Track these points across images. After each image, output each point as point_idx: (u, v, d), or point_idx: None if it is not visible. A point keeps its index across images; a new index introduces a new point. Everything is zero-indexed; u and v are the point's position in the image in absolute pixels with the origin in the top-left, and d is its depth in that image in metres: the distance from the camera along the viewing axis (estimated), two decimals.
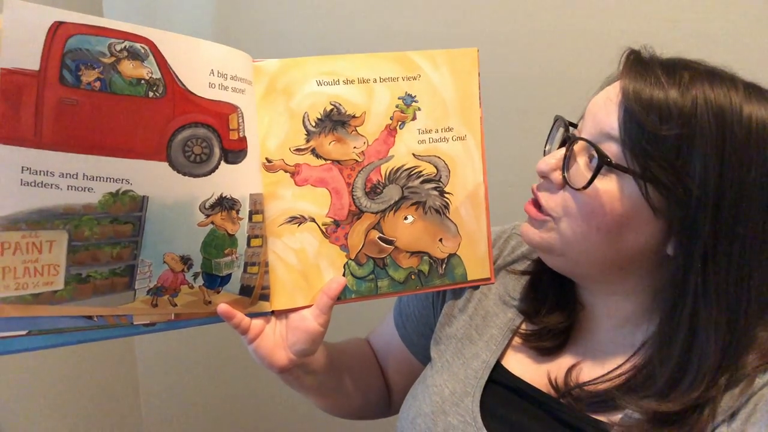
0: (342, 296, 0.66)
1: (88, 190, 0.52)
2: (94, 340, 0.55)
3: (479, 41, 0.72)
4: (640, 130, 0.52)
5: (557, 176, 0.58)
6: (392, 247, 0.68)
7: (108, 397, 1.24)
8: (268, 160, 0.65)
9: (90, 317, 0.54)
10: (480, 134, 0.69)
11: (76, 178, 0.51)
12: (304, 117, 0.65)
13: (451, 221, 0.69)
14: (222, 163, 0.59)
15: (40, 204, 0.50)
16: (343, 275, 0.67)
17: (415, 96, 0.67)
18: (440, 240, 0.69)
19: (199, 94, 0.57)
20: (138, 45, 0.53)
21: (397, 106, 0.66)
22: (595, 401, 0.57)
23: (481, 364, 0.65)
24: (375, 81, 0.65)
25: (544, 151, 0.64)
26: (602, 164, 0.54)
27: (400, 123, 0.67)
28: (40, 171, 0.50)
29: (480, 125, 0.69)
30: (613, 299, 0.61)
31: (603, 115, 0.56)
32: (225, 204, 0.59)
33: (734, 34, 0.91)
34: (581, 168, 0.57)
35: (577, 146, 0.57)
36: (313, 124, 0.65)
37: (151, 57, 0.54)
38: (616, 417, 0.57)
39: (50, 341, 0.53)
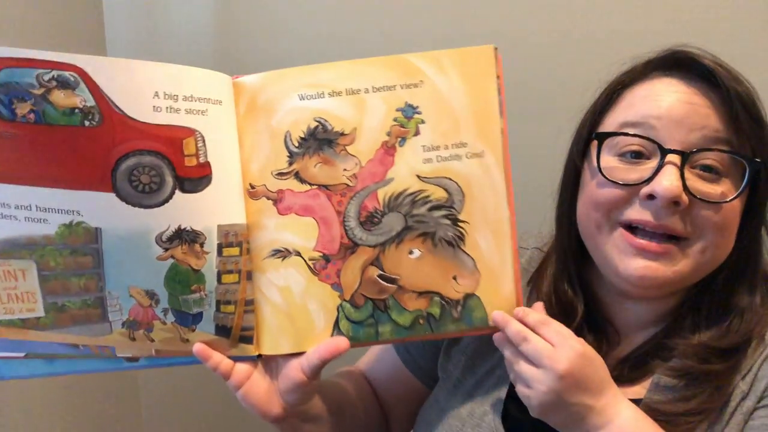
0: None
1: (43, 221, 0.54)
2: (86, 371, 0.58)
3: (497, 40, 0.61)
4: (756, 124, 0.59)
5: (684, 196, 0.57)
6: (395, 287, 0.58)
7: (108, 397, 1.26)
8: (252, 186, 0.58)
9: (76, 346, 0.57)
10: (502, 149, 0.59)
11: (30, 209, 0.54)
12: (285, 136, 0.57)
13: (467, 255, 0.59)
14: (177, 192, 0.55)
15: (4, 234, 0.54)
16: (337, 319, 0.59)
17: (417, 107, 0.57)
18: (454, 277, 0.59)
19: (141, 119, 0.54)
20: (66, 73, 0.52)
21: (395, 120, 0.57)
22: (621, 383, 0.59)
23: (497, 379, 0.63)
24: (366, 91, 0.57)
25: (616, 180, 0.61)
26: (759, 168, 0.59)
27: (399, 139, 0.57)
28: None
29: (502, 138, 0.58)
30: (662, 300, 0.64)
31: (699, 120, 0.58)
32: (185, 237, 0.56)
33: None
34: (698, 179, 0.58)
35: (674, 159, 0.58)
36: (296, 144, 0.57)
37: (82, 84, 0.52)
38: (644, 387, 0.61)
39: (46, 369, 0.58)
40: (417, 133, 0.59)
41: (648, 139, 0.58)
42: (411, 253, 0.60)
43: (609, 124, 0.62)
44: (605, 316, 0.66)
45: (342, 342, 0.58)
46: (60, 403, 1.16)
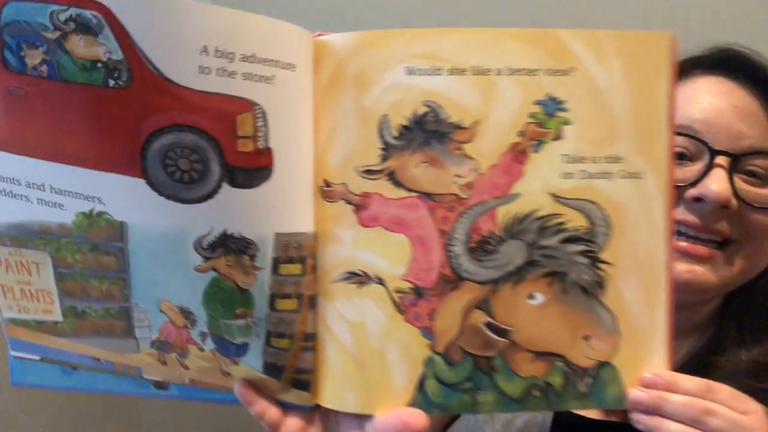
0: (417, 406, 0.44)
1: (59, 206, 0.43)
2: (108, 391, 0.50)
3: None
4: None
5: (734, 200, 0.56)
6: (506, 341, 0.43)
7: (107, 397, 1.24)
8: (327, 183, 0.42)
9: (98, 359, 0.49)
10: (667, 171, 0.43)
11: (43, 189, 0.43)
12: (381, 122, 0.42)
13: (606, 309, 0.43)
14: (224, 185, 0.41)
15: (16, 218, 0.44)
16: (422, 378, 0.43)
17: (562, 101, 0.42)
18: (585, 337, 0.44)
19: (183, 83, 0.39)
20: (87, 12, 0.38)
21: (532, 116, 0.42)
22: None
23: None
24: (499, 72, 0.42)
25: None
26: None
27: (534, 143, 0.42)
28: (7, 177, 0.43)
29: (668, 157, 0.43)
30: (699, 308, 0.62)
31: (746, 123, 0.57)
32: (231, 245, 0.42)
33: None
34: (743, 183, 0.57)
35: (723, 161, 0.56)
36: (395, 134, 0.42)
37: (106, 29, 0.38)
38: None
39: (64, 382, 0.51)
40: (558, 137, 0.44)
41: (697, 139, 0.57)
42: (532, 297, 0.44)
43: None
44: None
45: (417, 420, 0.43)
46: (59, 403, 1.16)
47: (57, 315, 0.47)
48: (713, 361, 0.59)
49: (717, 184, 0.55)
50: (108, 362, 0.49)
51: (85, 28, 0.38)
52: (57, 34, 0.39)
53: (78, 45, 0.39)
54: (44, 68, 0.39)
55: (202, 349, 0.46)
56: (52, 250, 0.45)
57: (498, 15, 0.90)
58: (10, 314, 0.48)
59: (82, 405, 1.21)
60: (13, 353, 0.50)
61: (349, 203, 0.45)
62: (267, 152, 0.41)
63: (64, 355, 0.49)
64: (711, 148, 0.57)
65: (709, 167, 0.56)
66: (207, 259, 0.42)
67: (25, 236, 0.44)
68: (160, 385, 0.49)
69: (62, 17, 0.38)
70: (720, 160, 0.56)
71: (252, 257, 0.42)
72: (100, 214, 0.42)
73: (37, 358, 0.50)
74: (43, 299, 0.47)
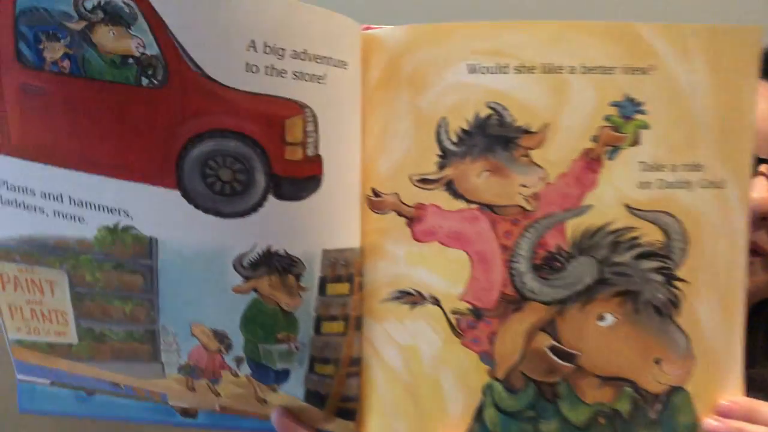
0: None
1: (79, 219, 0.39)
2: (128, 419, 0.47)
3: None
4: None
5: None
6: (572, 366, 0.39)
7: None
8: (376, 193, 0.38)
9: (116, 384, 0.45)
10: (749, 181, 0.39)
11: (61, 201, 0.38)
12: (440, 126, 0.38)
13: (680, 330, 0.40)
14: (270, 197, 0.37)
15: (29, 231, 0.40)
16: (481, 406, 0.40)
17: (641, 103, 0.38)
18: (657, 360, 0.40)
19: (227, 83, 0.35)
20: (119, 0, 0.34)
21: (607, 119, 0.38)
22: None
23: None
24: (572, 71, 0.38)
25: None
26: None
27: (609, 149, 0.38)
28: (19, 187, 0.39)
29: (750, 165, 0.39)
30: None
31: None
32: (276, 263, 0.38)
33: None
34: None
35: (765, 169, 0.52)
36: (455, 139, 0.38)
37: (140, 19, 0.34)
38: None
39: (78, 409, 0.47)
40: (635, 142, 0.39)
41: None
42: (601, 319, 0.40)
43: None
44: None
45: None
46: None
47: (72, 337, 0.43)
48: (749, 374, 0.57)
49: (758, 192, 0.51)
50: (128, 387, 0.45)
51: (115, 17, 0.34)
52: (82, 24, 0.34)
53: (107, 37, 0.34)
54: (66, 63, 0.35)
55: (236, 375, 0.42)
56: (69, 267, 0.40)
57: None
58: (18, 336, 0.44)
59: None
60: (19, 377, 0.46)
61: (401, 215, 0.40)
62: (316, 160, 0.37)
63: (78, 379, 0.45)
64: (756, 156, 0.53)
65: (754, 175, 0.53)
66: (248, 278, 0.38)
67: (38, 252, 0.40)
68: (187, 413, 0.45)
69: (89, 5, 0.34)
70: (764, 168, 0.52)
71: (297, 277, 0.38)
72: (127, 228, 0.38)
73: (47, 382, 0.46)
74: (57, 320, 0.43)
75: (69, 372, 0.45)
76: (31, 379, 0.46)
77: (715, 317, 0.41)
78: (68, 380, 0.45)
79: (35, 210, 0.39)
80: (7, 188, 0.39)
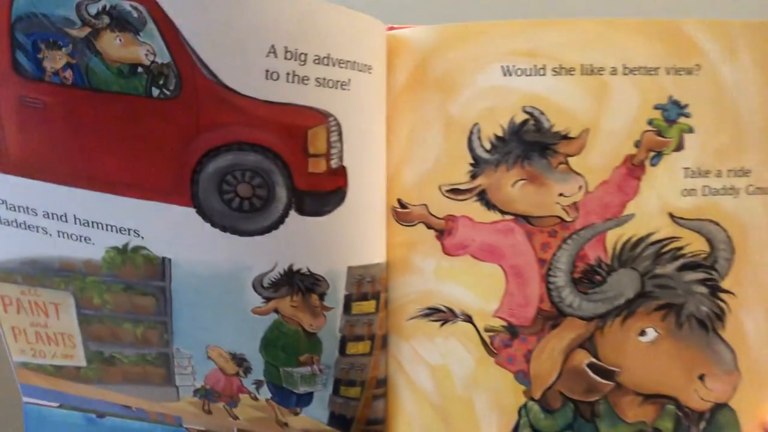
0: None
1: (85, 240, 0.37)
2: None
3: None
4: None
5: None
6: (612, 384, 0.36)
7: None
8: (402, 204, 0.36)
9: (128, 406, 0.42)
10: None
11: (65, 220, 0.36)
12: (472, 132, 0.36)
13: (725, 344, 0.38)
14: (292, 213, 0.34)
15: (31, 252, 0.38)
16: (516, 427, 0.37)
17: (685, 105, 0.35)
18: (701, 377, 0.38)
19: (245, 92, 0.32)
20: (126, 4, 0.31)
21: (650, 123, 0.36)
22: None
23: None
24: (614, 71, 0.35)
25: None
26: None
27: (652, 155, 0.35)
28: (19, 206, 0.37)
29: None
30: None
31: None
32: (298, 283, 0.36)
33: None
34: None
35: None
36: (488, 147, 0.35)
37: (150, 25, 0.31)
38: None
39: None
40: (679, 147, 0.37)
41: None
42: (643, 334, 0.38)
43: None
44: None
45: None
46: None
47: (80, 360, 0.41)
48: None
49: None
50: (140, 410, 0.42)
51: (122, 23, 0.31)
52: (86, 30, 0.32)
53: (113, 45, 0.31)
54: (68, 74, 0.32)
55: (255, 399, 0.40)
56: (76, 289, 0.38)
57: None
58: (22, 358, 0.42)
59: None
60: (26, 400, 0.44)
61: (430, 228, 0.38)
62: (341, 172, 0.34)
63: (87, 402, 0.43)
64: None
65: None
66: (268, 299, 0.36)
67: (41, 274, 0.38)
68: None
69: (93, 10, 0.31)
70: None
71: (321, 296, 0.36)
72: (137, 249, 0.35)
73: (55, 405, 0.44)
74: (63, 343, 0.40)
75: (77, 395, 0.42)
76: (37, 401, 0.44)
77: (762, 330, 0.39)
78: (77, 403, 0.43)
79: (38, 230, 0.36)
80: (7, 208, 0.36)
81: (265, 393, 0.39)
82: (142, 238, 0.35)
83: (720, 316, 0.39)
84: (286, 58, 0.32)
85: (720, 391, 0.39)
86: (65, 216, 0.35)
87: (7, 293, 0.40)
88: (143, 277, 0.36)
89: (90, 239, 0.36)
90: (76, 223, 0.35)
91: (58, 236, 0.36)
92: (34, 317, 0.39)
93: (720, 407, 0.39)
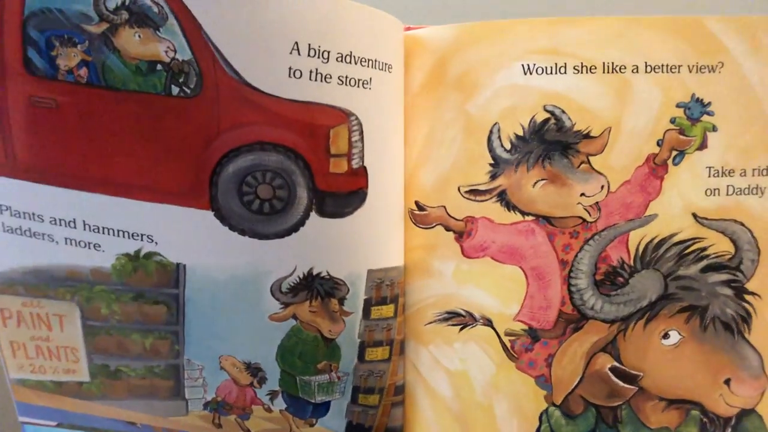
0: None
1: (95, 247, 0.35)
2: None
3: None
4: None
5: None
6: (634, 388, 0.36)
7: None
8: (420, 206, 0.35)
9: (132, 423, 0.41)
10: None
11: (74, 227, 0.35)
12: (492, 132, 0.35)
13: (751, 347, 0.37)
14: (312, 215, 0.34)
15: (35, 261, 0.36)
16: (539, 431, 0.36)
17: (708, 104, 0.35)
18: (726, 381, 0.37)
19: (268, 90, 0.32)
20: None
21: (673, 121, 0.35)
22: None
23: None
24: (635, 70, 0.34)
25: None
26: None
27: (675, 153, 0.35)
28: (25, 213, 0.35)
29: None
30: None
31: None
32: (318, 287, 0.35)
33: None
34: None
35: None
36: (508, 147, 0.35)
37: (171, 20, 0.31)
38: None
39: None
40: (703, 146, 0.36)
41: None
42: (666, 337, 0.37)
43: None
44: None
45: None
46: None
47: (83, 375, 0.39)
48: None
49: None
50: (146, 426, 0.41)
51: (142, 18, 0.30)
52: (103, 26, 0.31)
53: (132, 41, 0.31)
54: (83, 72, 0.31)
55: (269, 410, 0.39)
56: (82, 299, 0.36)
57: None
58: (20, 375, 0.40)
59: None
60: (22, 419, 0.42)
61: (449, 229, 0.37)
62: (362, 172, 0.34)
63: (88, 419, 0.41)
64: None
65: None
66: (286, 305, 0.35)
67: (46, 284, 0.36)
68: None
69: (111, 5, 0.30)
70: None
71: (341, 300, 0.35)
72: (150, 255, 0.34)
73: (52, 424, 0.42)
74: (66, 357, 0.39)
75: (78, 412, 0.41)
76: (34, 421, 0.42)
77: None
78: (77, 421, 0.42)
79: (43, 238, 0.35)
80: (11, 214, 0.35)
81: (279, 404, 0.38)
82: (156, 243, 0.34)
83: (746, 318, 0.38)
84: (309, 56, 0.31)
85: (747, 396, 0.38)
86: (74, 222, 0.34)
87: (7, 306, 0.39)
88: (155, 284, 0.35)
89: (100, 246, 0.34)
90: (85, 230, 0.34)
91: (66, 243, 0.35)
92: (35, 330, 0.38)
93: (747, 413, 0.38)
